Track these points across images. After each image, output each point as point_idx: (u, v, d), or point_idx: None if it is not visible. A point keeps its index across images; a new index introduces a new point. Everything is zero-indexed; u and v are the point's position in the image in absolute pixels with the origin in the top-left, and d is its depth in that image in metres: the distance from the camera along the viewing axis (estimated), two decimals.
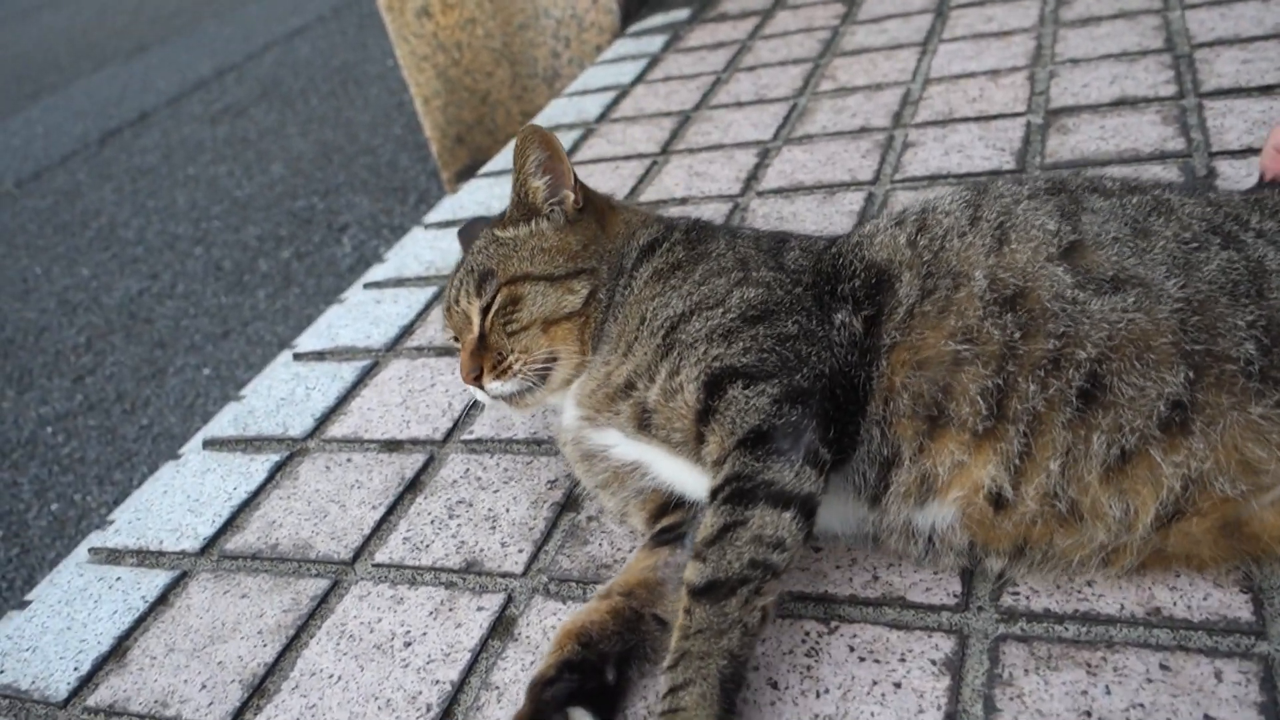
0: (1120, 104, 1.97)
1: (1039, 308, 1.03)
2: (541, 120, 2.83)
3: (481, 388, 1.26)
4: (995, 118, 2.07)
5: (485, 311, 1.27)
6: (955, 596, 1.09)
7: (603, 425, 1.22)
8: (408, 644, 1.22)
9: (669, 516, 1.22)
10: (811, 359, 1.09)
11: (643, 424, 1.17)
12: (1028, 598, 1.07)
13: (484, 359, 1.26)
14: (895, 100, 2.27)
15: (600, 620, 1.11)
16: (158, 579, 1.45)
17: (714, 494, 1.04)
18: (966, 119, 2.09)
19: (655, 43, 3.15)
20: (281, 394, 1.82)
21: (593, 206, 1.35)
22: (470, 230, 1.50)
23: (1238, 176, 1.64)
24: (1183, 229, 1.07)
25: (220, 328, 3.91)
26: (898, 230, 1.18)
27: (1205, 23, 2.20)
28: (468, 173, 3.49)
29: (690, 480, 1.17)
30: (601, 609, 1.12)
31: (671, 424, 1.14)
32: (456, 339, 1.34)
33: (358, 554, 1.39)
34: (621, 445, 1.22)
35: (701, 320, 1.15)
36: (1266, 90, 1.88)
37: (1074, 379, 0.99)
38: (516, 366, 1.25)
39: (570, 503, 1.38)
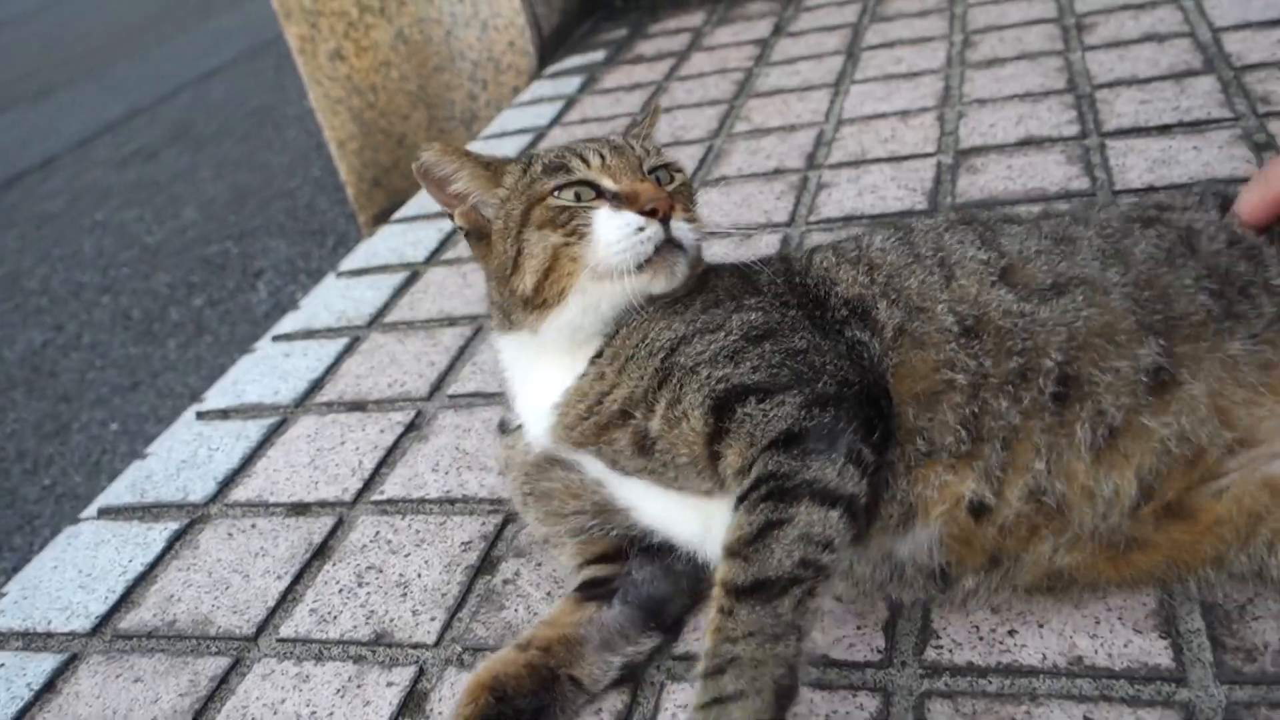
0: (1026, 144, 2.01)
1: (994, 329, 1.05)
2: None
3: (668, 223, 1.12)
4: (907, 158, 2.09)
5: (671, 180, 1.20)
6: (879, 653, 1.07)
7: (587, 452, 1.15)
8: None
9: (602, 566, 1.17)
10: (829, 368, 1.05)
11: (643, 450, 1.10)
12: (950, 651, 1.05)
13: (676, 201, 1.15)
14: (809, 141, 2.28)
15: (516, 674, 1.06)
16: (45, 664, 1.36)
17: (743, 497, 0.98)
18: (879, 159, 2.11)
19: (572, 84, 3.14)
20: (183, 456, 1.74)
21: None
22: None
23: None
24: (1103, 228, 1.13)
25: (128, 380, 3.77)
26: (849, 269, 1.18)
27: (1105, 63, 2.26)
28: (385, 215, 3.43)
29: (681, 521, 1.12)
30: (519, 662, 1.07)
31: (676, 450, 1.07)
32: (569, 196, 1.16)
33: (261, 629, 1.32)
34: (607, 478, 1.16)
35: (703, 343, 1.10)
36: (1164, 130, 1.92)
37: (1045, 386, 1.01)
38: (699, 223, 1.17)
39: (485, 565, 1.33)
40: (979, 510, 1.01)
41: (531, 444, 1.21)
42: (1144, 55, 2.25)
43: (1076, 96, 2.15)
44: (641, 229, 1.10)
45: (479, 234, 1.23)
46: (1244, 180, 1.67)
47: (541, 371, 1.20)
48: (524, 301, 1.17)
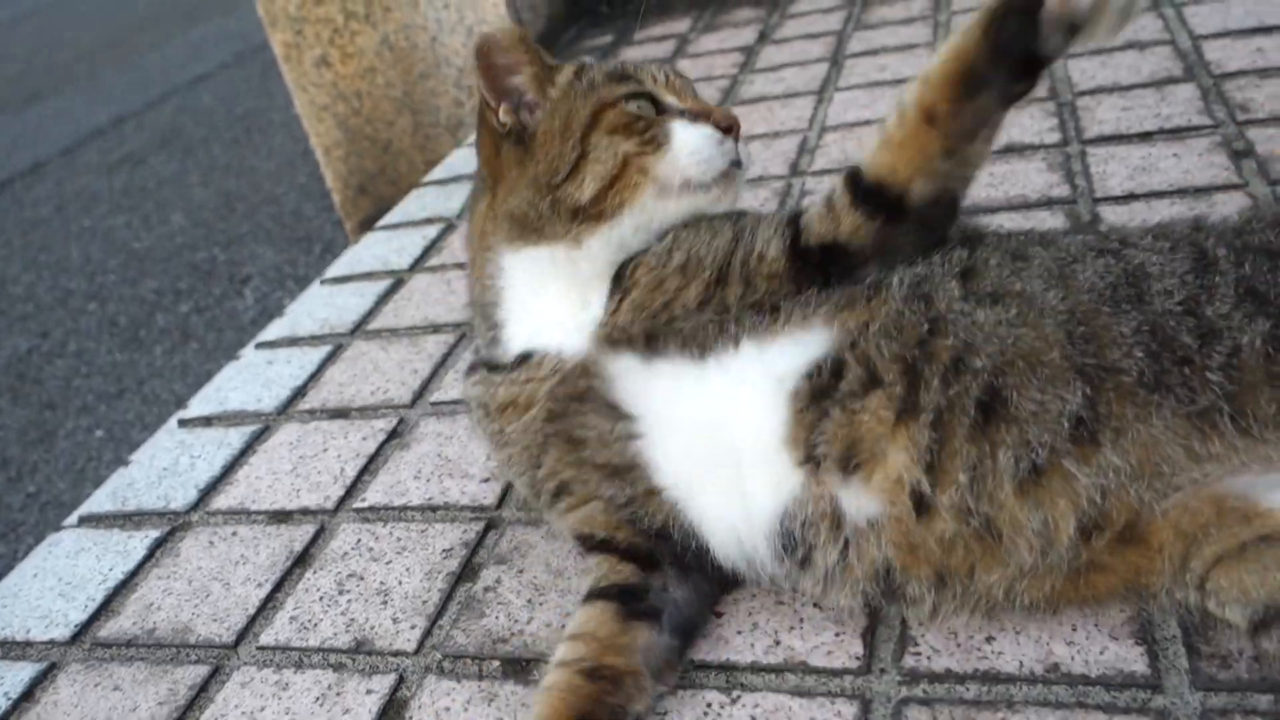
0: (1008, 151, 2.02)
1: (940, 311, 1.03)
2: (444, 171, 2.79)
3: (738, 140, 1.15)
4: None
5: None
6: (857, 659, 1.07)
7: (633, 349, 1.11)
8: None
9: (630, 568, 1.12)
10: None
11: (707, 300, 1.09)
12: (929, 658, 1.05)
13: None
14: (793, 148, 2.29)
15: (593, 711, 1.01)
16: (23, 673, 1.35)
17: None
18: None
19: None
20: (164, 464, 1.74)
21: None
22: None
23: (1120, 222, 1.68)
24: (1060, 250, 1.09)
25: (114, 387, 3.75)
26: None
27: (1086, 70, 2.27)
28: (371, 222, 3.42)
29: (703, 463, 1.09)
30: (591, 696, 1.01)
31: (755, 289, 1.08)
32: (635, 105, 1.14)
33: (241, 636, 1.32)
34: (649, 424, 1.10)
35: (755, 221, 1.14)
36: (1145, 137, 1.94)
37: (971, 388, 0.98)
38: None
39: (466, 572, 1.33)
40: (919, 503, 0.99)
41: (562, 360, 1.15)
42: (1125, 62, 2.26)
43: (1058, 104, 2.16)
44: (721, 142, 1.12)
45: (518, 137, 1.16)
46: (1224, 189, 1.70)
47: (574, 288, 1.16)
48: (574, 211, 1.12)
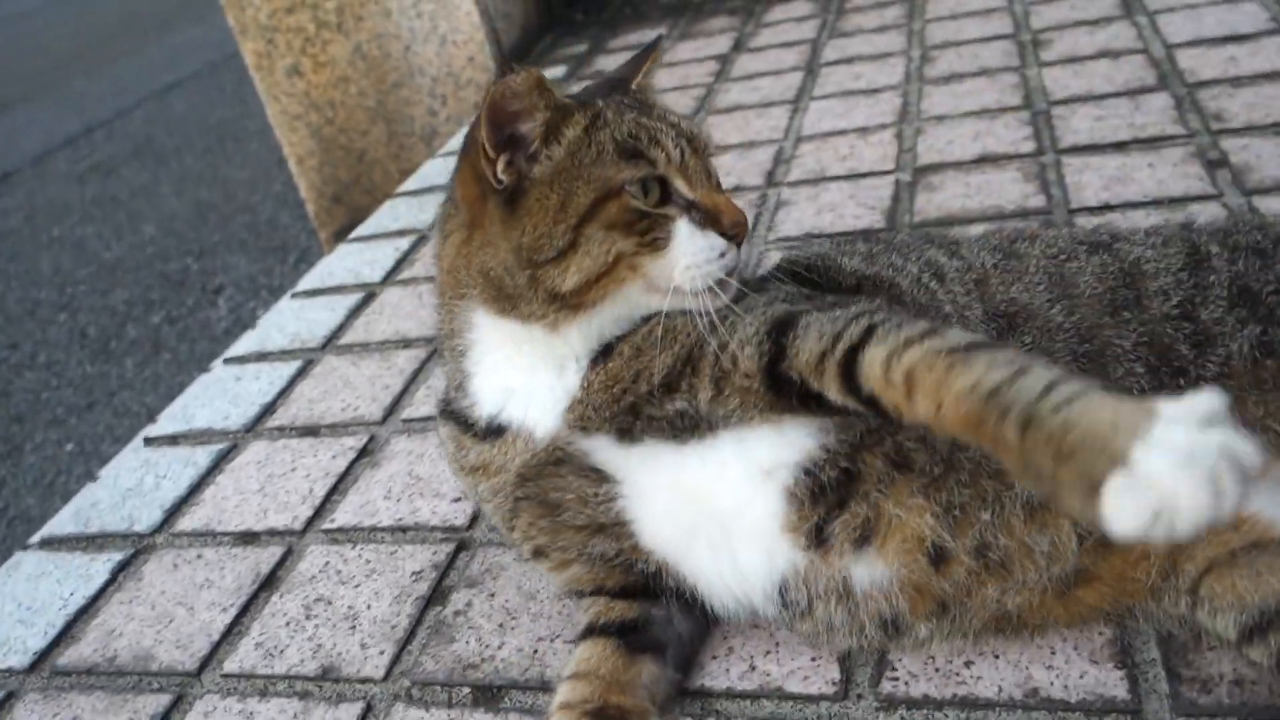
0: (983, 161, 2.01)
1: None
2: (417, 181, 2.76)
3: (741, 247, 1.05)
4: (865, 175, 2.08)
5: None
6: (834, 684, 1.05)
7: (606, 434, 1.05)
8: None
9: (619, 604, 1.09)
10: (866, 304, 1.01)
11: (680, 425, 1.03)
12: (906, 683, 1.03)
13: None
14: (768, 158, 2.28)
15: None
16: None
17: (851, 353, 0.91)
18: (838, 177, 2.11)
19: None
20: (129, 484, 1.70)
21: None
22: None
23: None
24: (1049, 245, 1.10)
25: (85, 399, 3.69)
26: (849, 260, 1.16)
27: (1060, 80, 2.27)
28: (345, 232, 3.39)
29: (686, 529, 1.05)
30: None
31: (725, 397, 1.00)
32: (640, 195, 1.02)
33: (204, 664, 1.28)
34: (620, 466, 1.06)
35: (746, 313, 1.03)
36: (1120, 146, 1.93)
37: None
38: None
39: (436, 596, 1.30)
40: (939, 555, 0.98)
41: (533, 438, 1.08)
42: (1099, 71, 2.26)
43: (1033, 113, 2.15)
44: (723, 254, 1.02)
45: (510, 194, 1.03)
46: (1199, 199, 1.69)
47: (546, 365, 1.08)
48: (553, 296, 1.02)
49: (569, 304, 1.03)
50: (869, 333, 0.92)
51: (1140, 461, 0.67)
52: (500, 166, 1.02)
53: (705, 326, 1.02)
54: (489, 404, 1.12)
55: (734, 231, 1.03)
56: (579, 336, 1.06)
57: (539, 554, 1.15)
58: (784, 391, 0.98)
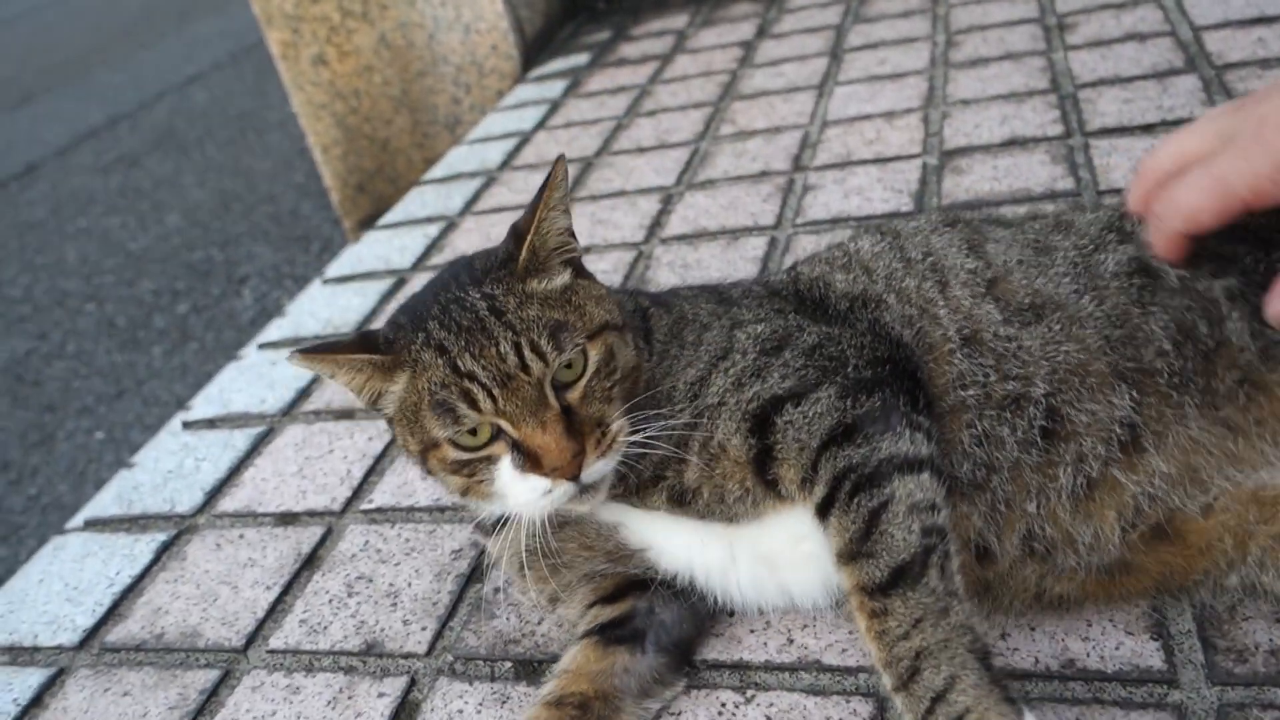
0: (1011, 144, 2.01)
1: (989, 349, 1.03)
2: (443, 169, 2.79)
3: (578, 478, 0.98)
4: (892, 159, 2.09)
5: (575, 375, 1.01)
6: (870, 657, 1.07)
7: (611, 503, 1.08)
8: None
9: (612, 607, 1.11)
10: (850, 353, 1.03)
11: (680, 502, 1.06)
12: None
13: (585, 435, 0.99)
14: (794, 143, 2.29)
15: None
16: (31, 679, 1.34)
17: (827, 504, 0.95)
18: (865, 161, 2.11)
19: (556, 88, 3.13)
20: (169, 466, 1.73)
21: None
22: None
23: None
24: (1080, 236, 1.10)
25: (113, 388, 3.74)
26: (844, 273, 1.16)
27: (1087, 63, 2.27)
28: (370, 221, 3.42)
29: (704, 554, 1.08)
30: (546, 717, 1.02)
31: (723, 490, 1.03)
32: (468, 437, 1.00)
33: (250, 640, 1.31)
34: (634, 525, 1.10)
35: (721, 375, 1.05)
36: (1148, 129, 1.93)
37: (1035, 417, 0.99)
38: (621, 438, 1.01)
39: (476, 573, 1.32)
40: (983, 555, 1.01)
41: (533, 518, 1.05)
42: (1126, 54, 2.25)
43: (1060, 96, 2.15)
44: (549, 491, 0.99)
45: (390, 422, 1.08)
46: None
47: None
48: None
49: (471, 498, 1.07)
50: (845, 473, 0.96)
51: None
52: (363, 402, 1.07)
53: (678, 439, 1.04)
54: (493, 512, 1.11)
55: (556, 476, 0.98)
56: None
57: (552, 600, 1.17)
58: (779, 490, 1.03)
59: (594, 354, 1.01)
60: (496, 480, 1.01)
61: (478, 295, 1.02)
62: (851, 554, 0.93)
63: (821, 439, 0.98)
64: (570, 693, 1.04)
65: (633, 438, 1.01)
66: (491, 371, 0.97)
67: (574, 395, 1.00)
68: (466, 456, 1.01)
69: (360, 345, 1.04)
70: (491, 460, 1.01)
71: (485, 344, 0.98)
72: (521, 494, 1.00)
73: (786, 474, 1.00)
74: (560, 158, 1.04)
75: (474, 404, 0.98)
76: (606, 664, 1.06)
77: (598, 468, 1.00)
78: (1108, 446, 0.98)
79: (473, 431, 0.99)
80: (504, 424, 0.98)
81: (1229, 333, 0.99)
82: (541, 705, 1.03)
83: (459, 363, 0.98)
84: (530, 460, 0.98)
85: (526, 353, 0.98)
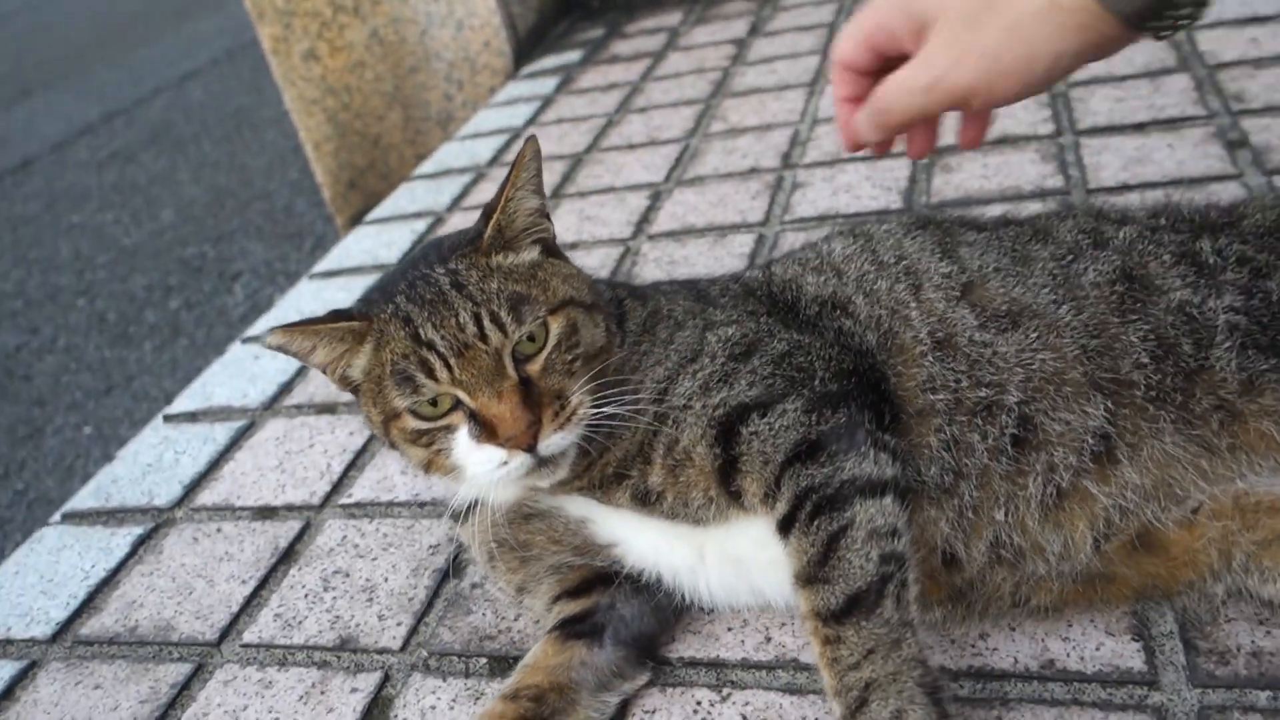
0: (1001, 142, 2.00)
1: (963, 354, 1.02)
2: (434, 165, 2.77)
3: (534, 448, 0.98)
4: (882, 157, 2.07)
5: (537, 348, 1.01)
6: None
7: (578, 496, 1.09)
8: None
9: (576, 601, 1.11)
10: (818, 364, 1.02)
11: (644, 502, 1.05)
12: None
13: (543, 406, 0.99)
14: (784, 141, 2.27)
15: None
16: (3, 671, 1.33)
17: (788, 521, 0.94)
18: (854, 159, 2.10)
19: (548, 85, 3.12)
20: (149, 460, 1.71)
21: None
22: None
23: None
24: (1058, 246, 1.09)
25: (103, 383, 3.72)
26: (815, 276, 1.15)
27: None
28: (361, 217, 3.41)
29: (672, 553, 1.07)
30: (508, 714, 1.00)
31: (687, 496, 1.03)
32: (427, 407, 1.01)
33: (224, 634, 1.30)
34: (602, 521, 1.10)
35: (689, 377, 1.05)
36: (1139, 128, 1.92)
37: (1006, 425, 0.98)
38: (582, 410, 1.00)
39: (453, 569, 1.31)
40: (950, 561, 1.00)
41: (500, 504, 1.10)
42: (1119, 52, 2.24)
43: (1051, 94, 2.14)
44: (505, 463, 0.99)
45: (355, 391, 1.09)
46: (1219, 179, 1.68)
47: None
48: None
49: (434, 472, 1.07)
50: (808, 493, 0.95)
51: None
52: (333, 381, 1.09)
53: (648, 427, 1.04)
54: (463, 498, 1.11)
55: (511, 446, 0.98)
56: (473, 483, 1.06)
57: (520, 591, 1.16)
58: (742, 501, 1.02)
59: (555, 327, 1.02)
60: (454, 450, 1.02)
61: (442, 270, 1.03)
62: (809, 578, 0.92)
63: (786, 454, 0.97)
64: (526, 685, 1.03)
65: (594, 411, 1.01)
66: (450, 341, 0.98)
67: (534, 367, 1.00)
68: (426, 426, 1.02)
69: (334, 317, 1.05)
70: (450, 430, 1.01)
71: (446, 315, 0.99)
72: (478, 464, 1.00)
73: (750, 487, 1.00)
74: (530, 139, 1.05)
75: (431, 373, 0.99)
76: (564, 658, 1.05)
77: (555, 440, 0.99)
78: (1079, 456, 0.96)
79: (433, 402, 1.00)
80: (461, 393, 0.99)
81: (1214, 359, 0.98)
82: (499, 699, 1.03)
83: (420, 333, 0.99)
84: (486, 430, 0.98)
85: (486, 323, 0.99)
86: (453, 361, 0.98)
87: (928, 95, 0.94)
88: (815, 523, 0.93)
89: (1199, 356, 0.98)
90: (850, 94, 1.04)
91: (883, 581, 0.89)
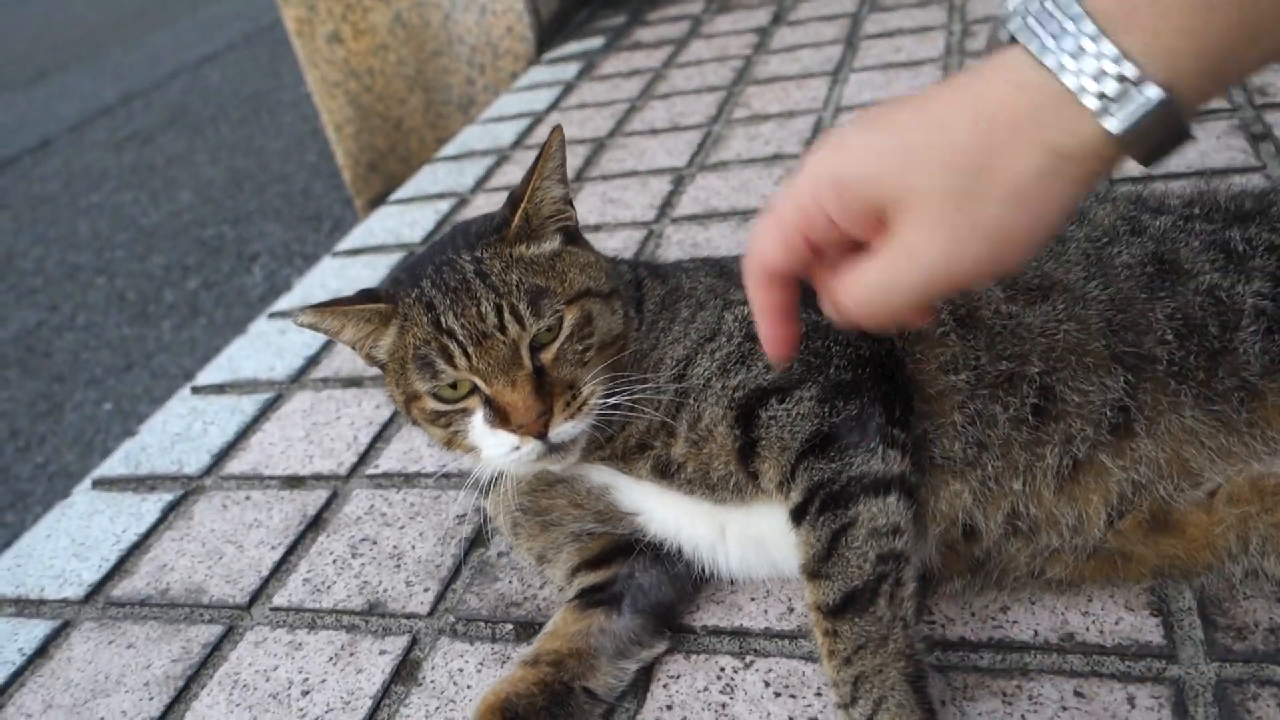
0: None
1: (985, 327, 1.03)
2: (456, 147, 2.79)
3: (545, 436, 1.02)
4: None
5: (553, 337, 1.04)
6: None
7: (601, 465, 1.11)
8: (305, 692, 1.16)
9: (595, 572, 1.13)
10: (835, 350, 1.03)
11: (664, 473, 1.08)
12: (943, 626, 1.05)
13: (554, 396, 1.03)
14: (807, 128, 2.29)
15: (527, 692, 1.02)
16: (37, 630, 1.36)
17: (799, 513, 0.98)
18: None
19: (570, 70, 3.14)
20: (177, 429, 1.74)
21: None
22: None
23: None
24: (1094, 228, 1.10)
25: (122, 361, 3.75)
26: None
27: None
28: (381, 200, 3.43)
29: (693, 527, 1.10)
30: (528, 679, 1.03)
31: (708, 468, 1.06)
32: (446, 390, 1.05)
33: (254, 597, 1.32)
34: (625, 489, 1.12)
35: (707, 357, 1.07)
36: None
37: (1028, 396, 0.99)
38: (593, 400, 1.04)
39: (480, 538, 1.33)
40: (969, 533, 1.01)
41: (518, 474, 1.13)
42: None
43: None
44: (517, 448, 1.03)
45: (382, 368, 1.14)
46: (1242, 171, 1.69)
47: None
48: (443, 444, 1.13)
49: (453, 449, 1.12)
50: (819, 487, 0.97)
51: None
52: (362, 358, 1.13)
53: (666, 410, 1.06)
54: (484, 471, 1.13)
55: (522, 433, 1.02)
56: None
57: (541, 559, 1.19)
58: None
59: (570, 318, 1.05)
60: (470, 433, 1.06)
61: (468, 258, 1.07)
62: (813, 571, 0.96)
63: (801, 444, 0.99)
64: (546, 651, 1.06)
65: (606, 401, 1.05)
66: (470, 330, 1.02)
67: (547, 356, 1.04)
68: (444, 408, 1.06)
69: (363, 298, 1.09)
70: (467, 413, 1.06)
71: (468, 304, 1.03)
72: (492, 448, 1.05)
73: (767, 471, 1.02)
74: (556, 128, 1.07)
75: (450, 360, 1.03)
76: (583, 625, 1.08)
77: (565, 429, 1.03)
78: (1096, 429, 0.97)
79: (453, 386, 1.04)
80: (477, 380, 1.03)
81: (1239, 342, 0.98)
82: (519, 665, 1.05)
83: (442, 320, 1.03)
84: (500, 416, 1.02)
85: (506, 315, 1.02)
86: (471, 350, 1.02)
87: (923, 291, 0.74)
88: (822, 518, 0.96)
89: (1223, 338, 0.99)
90: (778, 302, 0.82)
91: (878, 580, 0.93)
